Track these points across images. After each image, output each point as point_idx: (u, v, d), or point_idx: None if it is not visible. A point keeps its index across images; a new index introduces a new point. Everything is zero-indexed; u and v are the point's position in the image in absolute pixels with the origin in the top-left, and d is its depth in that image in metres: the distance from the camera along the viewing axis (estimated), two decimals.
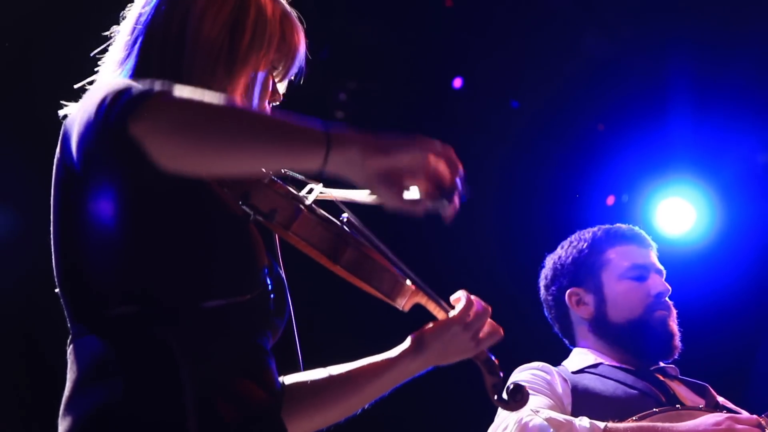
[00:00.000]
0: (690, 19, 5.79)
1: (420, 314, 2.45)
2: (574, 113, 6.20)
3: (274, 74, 2.29)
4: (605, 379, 3.57)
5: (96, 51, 2.30)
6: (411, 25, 5.89)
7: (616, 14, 5.97)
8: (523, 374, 3.56)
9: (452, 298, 2.47)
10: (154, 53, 2.18)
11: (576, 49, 6.07)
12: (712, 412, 3.37)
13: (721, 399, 3.66)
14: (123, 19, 2.28)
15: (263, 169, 1.98)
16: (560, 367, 3.68)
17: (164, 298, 1.98)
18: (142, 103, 1.81)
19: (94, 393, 1.92)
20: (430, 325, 2.45)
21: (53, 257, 2.09)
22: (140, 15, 2.23)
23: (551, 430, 3.26)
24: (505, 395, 2.53)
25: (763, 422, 3.34)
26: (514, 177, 6.19)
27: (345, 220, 2.32)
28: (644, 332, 3.66)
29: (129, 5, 2.29)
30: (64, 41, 4.51)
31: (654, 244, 3.89)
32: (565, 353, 3.83)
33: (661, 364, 3.70)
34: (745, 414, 3.52)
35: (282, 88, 2.34)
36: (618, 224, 3.94)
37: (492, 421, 3.44)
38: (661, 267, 3.82)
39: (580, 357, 3.73)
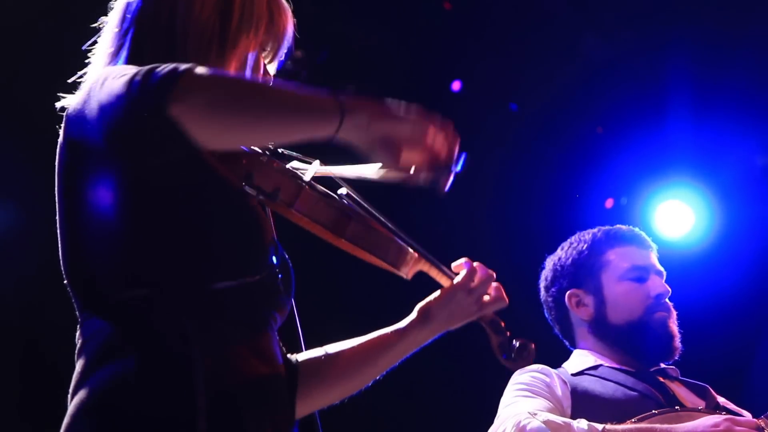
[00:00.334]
0: (688, 21, 5.79)
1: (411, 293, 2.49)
2: (572, 116, 6.21)
3: (264, 55, 2.31)
4: (605, 381, 3.57)
5: (87, 44, 2.30)
6: (409, 28, 5.90)
7: (614, 17, 5.98)
8: (522, 376, 3.56)
9: (454, 264, 2.52)
10: (146, 43, 2.19)
11: (574, 51, 6.07)
12: (712, 414, 3.37)
13: (722, 400, 3.66)
14: (111, 9, 2.29)
15: (286, 140, 2.09)
16: (560, 369, 3.68)
17: (173, 281, 1.99)
18: (177, 84, 1.86)
19: (106, 370, 1.93)
20: (435, 295, 2.52)
21: (60, 244, 2.10)
22: (128, 5, 2.24)
23: None
24: (512, 353, 2.56)
25: (762, 424, 3.34)
26: (513, 180, 6.19)
27: (345, 194, 2.35)
28: (644, 333, 3.66)
29: None
30: (62, 32, 4.51)
31: (654, 246, 3.89)
32: (566, 354, 3.83)
33: (662, 365, 3.70)
34: (746, 415, 3.53)
35: (272, 69, 2.36)
36: (618, 225, 3.94)
37: (488, 422, 3.45)
38: (662, 268, 3.82)
39: (580, 359, 3.73)
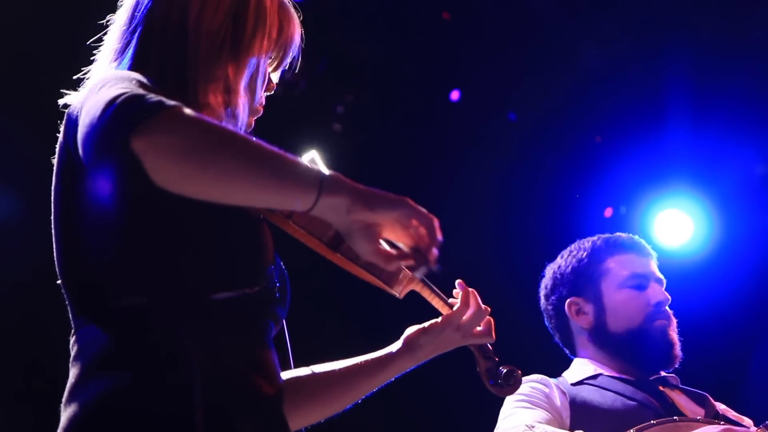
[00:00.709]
0: (687, 30, 5.80)
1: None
2: (571, 125, 6.21)
3: (268, 63, 2.30)
4: (604, 390, 3.56)
5: (92, 39, 2.29)
6: (408, 38, 5.91)
7: (612, 26, 5.98)
8: (521, 387, 3.55)
9: (454, 292, 2.54)
10: (155, 42, 2.17)
11: (573, 60, 6.07)
12: (710, 423, 3.36)
13: (722, 407, 3.65)
14: (120, 6, 2.28)
15: (255, 204, 1.97)
16: (559, 378, 3.68)
17: (171, 290, 1.97)
18: (149, 119, 1.78)
19: (100, 382, 1.90)
20: (424, 326, 2.56)
21: (54, 247, 2.08)
22: (138, 3, 2.23)
23: None
24: (499, 379, 2.56)
25: None
26: (512, 189, 6.19)
27: None
28: (644, 341, 3.65)
29: None
30: (64, 22, 4.52)
31: (654, 253, 3.88)
32: (566, 363, 3.83)
33: (662, 373, 3.69)
34: (746, 422, 3.53)
35: (275, 78, 2.36)
36: (618, 233, 3.93)
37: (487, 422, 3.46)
38: (661, 276, 3.81)
39: (579, 368, 3.73)
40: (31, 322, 4.95)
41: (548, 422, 3.38)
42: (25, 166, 4.60)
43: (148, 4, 2.21)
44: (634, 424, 3.32)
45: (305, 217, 2.13)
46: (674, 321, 3.73)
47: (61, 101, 2.18)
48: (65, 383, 1.98)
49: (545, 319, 3.95)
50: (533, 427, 3.28)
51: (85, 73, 2.24)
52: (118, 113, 1.80)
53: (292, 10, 2.34)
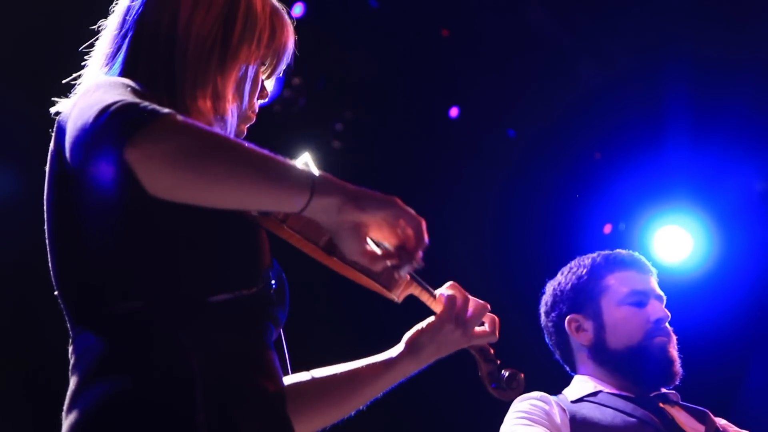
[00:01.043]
0: (686, 47, 5.81)
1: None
2: (570, 142, 6.22)
3: (262, 70, 2.29)
4: (604, 407, 3.55)
5: (84, 45, 2.29)
6: (407, 55, 5.92)
7: (612, 43, 6.00)
8: (522, 404, 3.55)
9: (442, 288, 2.51)
10: (145, 47, 2.17)
11: (572, 77, 6.09)
12: None
13: (722, 422, 3.64)
14: (111, 12, 2.27)
15: (247, 207, 1.98)
16: (560, 396, 3.67)
17: (168, 293, 1.96)
18: (143, 129, 1.78)
19: (100, 387, 1.89)
20: (422, 325, 2.52)
21: (49, 256, 2.07)
22: (129, 8, 2.22)
23: None
24: (501, 383, 2.54)
25: None
26: (512, 206, 6.19)
27: None
28: (643, 358, 3.64)
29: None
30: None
31: (654, 270, 3.87)
32: (566, 380, 3.82)
33: (662, 390, 3.68)
34: None
35: (269, 85, 2.34)
36: (618, 250, 3.93)
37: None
38: (662, 293, 3.81)
39: (579, 385, 3.72)
40: (26, 307, 4.92)
41: None
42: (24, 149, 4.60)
43: (139, 9, 2.20)
44: None
45: (300, 221, 2.12)
46: (674, 338, 3.72)
47: (52, 109, 2.16)
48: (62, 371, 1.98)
49: (545, 336, 3.94)
50: None
51: (76, 79, 2.24)
52: (112, 121, 1.80)
53: (287, 17, 2.33)
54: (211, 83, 2.16)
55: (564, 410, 3.54)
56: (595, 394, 3.64)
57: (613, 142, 6.20)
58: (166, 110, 1.82)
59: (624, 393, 3.63)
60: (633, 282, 3.77)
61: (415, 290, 2.47)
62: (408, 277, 2.41)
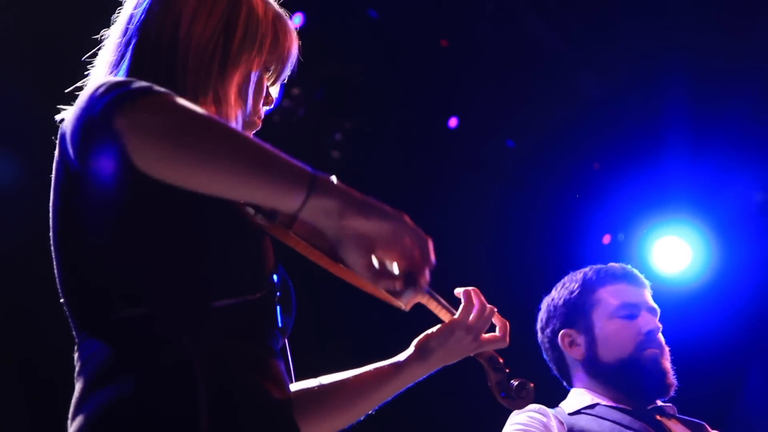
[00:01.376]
0: (684, 57, 5.82)
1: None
2: (569, 152, 6.22)
3: (267, 76, 2.29)
4: (601, 419, 3.55)
5: (87, 55, 2.29)
6: (406, 65, 5.92)
7: (610, 54, 6.00)
8: (520, 416, 3.55)
9: (455, 291, 2.51)
10: (148, 55, 2.17)
11: (571, 88, 6.09)
12: None
13: None
14: (113, 22, 2.28)
15: (238, 197, 1.91)
16: (557, 408, 3.67)
17: (172, 299, 1.95)
18: (133, 99, 1.78)
19: (104, 393, 1.89)
20: (433, 330, 2.52)
21: (55, 263, 2.07)
22: (132, 16, 2.22)
23: None
24: (510, 392, 2.53)
25: None
26: (511, 216, 6.19)
27: None
28: (636, 371, 3.63)
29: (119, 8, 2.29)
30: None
31: (647, 282, 3.87)
32: (564, 394, 3.82)
33: (659, 403, 3.68)
34: None
35: (274, 92, 2.34)
36: (611, 263, 3.93)
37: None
38: (655, 305, 3.80)
39: (577, 398, 3.72)
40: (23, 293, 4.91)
41: None
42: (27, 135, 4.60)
43: (141, 16, 2.20)
44: None
45: (306, 228, 2.11)
46: (666, 349, 3.71)
47: (57, 117, 2.17)
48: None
49: (543, 351, 3.94)
50: None
51: (79, 89, 2.23)
52: (103, 96, 1.80)
53: (289, 22, 2.33)
54: (212, 89, 2.16)
55: (562, 423, 3.54)
56: (592, 406, 3.64)
57: (612, 153, 6.20)
58: (161, 89, 1.82)
59: (621, 405, 3.62)
60: (624, 295, 3.77)
61: (423, 298, 2.47)
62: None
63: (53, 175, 2.08)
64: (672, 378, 3.66)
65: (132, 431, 1.86)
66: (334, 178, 1.84)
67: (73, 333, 2.06)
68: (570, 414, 3.61)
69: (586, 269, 3.89)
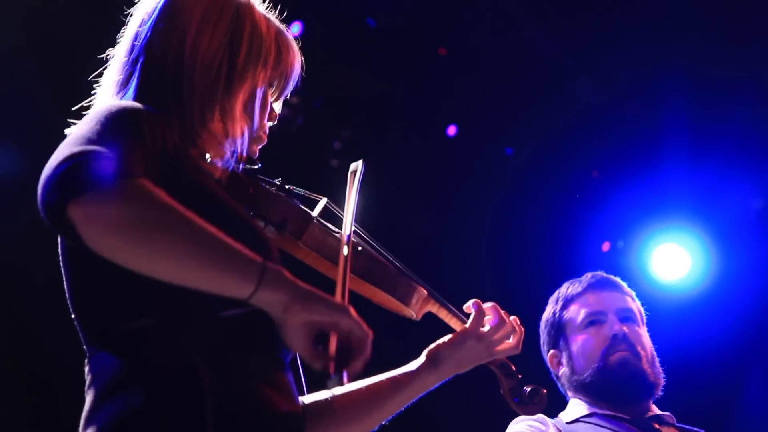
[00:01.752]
0: (683, 65, 5.82)
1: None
2: (568, 160, 6.22)
3: (270, 92, 2.31)
4: (598, 427, 3.56)
5: (93, 75, 2.30)
6: (405, 73, 5.92)
7: (609, 62, 6.01)
8: (519, 426, 3.55)
9: (464, 306, 2.53)
10: (155, 73, 2.18)
11: (570, 95, 6.09)
12: None
13: None
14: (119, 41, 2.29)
15: (191, 285, 1.91)
16: (556, 418, 3.68)
17: (179, 309, 1.96)
18: (90, 190, 1.79)
19: (113, 405, 1.91)
20: (444, 339, 2.54)
21: (65, 279, 2.08)
22: (137, 34, 2.24)
23: None
24: (524, 397, 2.55)
25: None
26: (510, 224, 6.19)
27: (353, 231, 2.32)
28: (606, 378, 3.62)
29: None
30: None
31: (622, 285, 3.86)
32: (563, 404, 3.82)
33: (657, 411, 3.67)
34: None
35: (278, 107, 2.36)
36: (586, 274, 3.92)
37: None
38: (630, 306, 3.78)
39: (575, 408, 3.73)
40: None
41: None
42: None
43: (147, 34, 2.22)
44: None
45: (316, 238, 2.11)
46: (641, 350, 3.67)
47: (66, 131, 2.16)
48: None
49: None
50: None
51: (86, 109, 2.24)
52: (65, 177, 1.81)
53: (291, 38, 2.35)
54: (218, 106, 2.18)
55: (560, 431, 3.54)
56: (590, 415, 3.64)
57: (610, 160, 6.21)
58: (130, 172, 1.85)
59: (619, 414, 3.62)
60: (588, 304, 3.78)
61: (433, 307, 2.48)
62: (426, 292, 2.42)
63: None
64: (654, 376, 3.64)
65: None
66: (282, 271, 1.90)
67: (84, 347, 2.07)
68: (568, 423, 3.62)
69: (564, 285, 3.91)
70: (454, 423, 5.88)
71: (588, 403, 3.70)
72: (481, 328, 2.56)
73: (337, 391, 2.47)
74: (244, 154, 2.25)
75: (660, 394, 3.68)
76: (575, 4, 5.88)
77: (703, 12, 5.66)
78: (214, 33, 2.21)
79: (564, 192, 6.26)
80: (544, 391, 2.64)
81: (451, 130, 6.18)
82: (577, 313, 3.77)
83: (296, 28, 5.26)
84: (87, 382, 2.01)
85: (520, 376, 2.63)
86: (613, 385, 3.60)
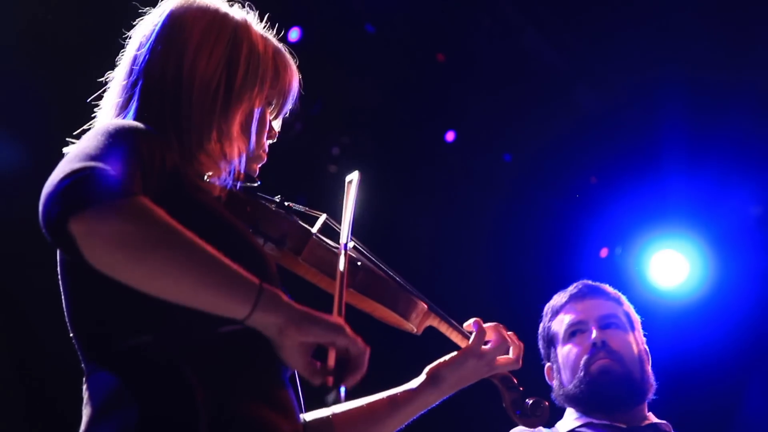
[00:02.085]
0: (682, 72, 5.82)
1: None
2: (566, 166, 6.22)
3: (269, 111, 2.32)
4: None
5: (92, 98, 2.31)
6: (403, 79, 5.93)
7: (608, 68, 6.01)
8: None
9: (465, 325, 2.54)
10: (154, 96, 2.19)
11: (568, 102, 6.10)
12: None
13: None
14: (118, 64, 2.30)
15: (188, 304, 1.92)
16: (553, 428, 3.68)
17: (177, 325, 1.96)
18: (92, 206, 1.80)
19: (109, 423, 1.92)
20: (446, 358, 2.56)
21: (63, 296, 2.09)
22: (136, 57, 2.25)
23: None
24: (526, 410, 2.56)
25: None
26: (508, 230, 6.19)
27: (351, 246, 2.33)
28: (591, 388, 3.61)
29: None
30: None
31: (607, 290, 3.85)
32: (560, 413, 3.82)
33: (654, 419, 3.66)
34: None
35: (277, 125, 2.37)
36: (574, 284, 3.91)
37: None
38: (613, 311, 3.77)
39: (570, 418, 3.72)
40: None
41: None
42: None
43: (145, 56, 2.23)
44: None
45: (316, 254, 2.11)
46: (625, 354, 3.66)
47: (65, 149, 2.18)
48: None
49: None
50: None
51: (86, 131, 2.24)
52: (67, 191, 1.82)
53: (289, 57, 2.36)
54: (216, 126, 2.19)
55: None
56: (585, 425, 3.63)
57: (609, 167, 6.21)
58: (131, 189, 1.86)
59: (615, 424, 3.61)
60: (570, 316, 3.78)
61: (434, 321, 2.49)
62: (426, 307, 2.42)
63: None
64: (642, 380, 3.64)
65: None
66: (279, 293, 1.91)
67: (82, 365, 2.08)
68: None
69: (553, 298, 3.91)
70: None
71: (581, 413, 3.70)
72: (483, 347, 2.58)
73: (338, 408, 2.48)
74: (243, 173, 2.26)
75: (652, 396, 3.67)
76: (573, 10, 5.89)
77: (701, 20, 5.66)
78: (211, 54, 2.22)
79: (562, 198, 6.27)
80: (546, 403, 2.65)
81: (450, 136, 6.18)
82: (561, 324, 3.78)
83: (295, 33, 5.27)
84: (84, 399, 2.01)
85: (521, 389, 2.64)
86: (598, 394, 3.59)
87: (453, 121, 6.16)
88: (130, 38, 2.31)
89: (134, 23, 2.33)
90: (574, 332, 3.72)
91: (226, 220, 2.11)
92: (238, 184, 2.29)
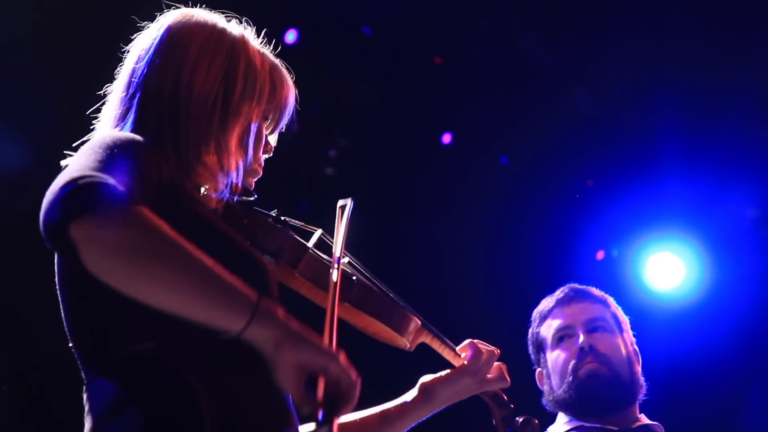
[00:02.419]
0: (679, 75, 5.83)
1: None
2: (563, 169, 6.23)
3: (265, 125, 2.34)
4: None
5: (91, 110, 2.32)
6: (400, 82, 5.93)
7: (605, 71, 6.02)
8: None
9: (459, 347, 2.57)
10: (152, 109, 2.21)
11: (565, 104, 6.10)
12: None
13: None
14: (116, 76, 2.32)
15: (184, 315, 1.91)
16: None
17: (178, 333, 1.96)
18: (93, 212, 1.81)
19: (113, 430, 1.92)
20: (439, 375, 2.62)
21: (61, 305, 2.09)
22: (134, 70, 2.27)
23: None
24: (516, 428, 2.59)
25: None
26: (504, 232, 6.20)
27: (346, 261, 2.34)
28: (580, 392, 3.62)
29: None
30: None
31: (594, 292, 3.85)
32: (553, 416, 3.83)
33: (646, 421, 3.66)
34: None
35: (273, 140, 2.39)
36: (560, 288, 3.91)
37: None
38: (601, 314, 3.77)
39: (562, 421, 3.73)
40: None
41: None
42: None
43: (144, 69, 2.25)
44: None
45: (311, 268, 2.12)
46: (612, 356, 3.66)
47: (63, 162, 2.19)
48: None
49: None
50: None
51: (84, 142, 2.25)
52: (69, 197, 1.82)
53: (285, 72, 2.38)
54: (213, 140, 2.21)
55: None
56: (577, 428, 3.64)
57: (605, 169, 6.21)
58: (131, 198, 1.87)
59: (606, 426, 3.62)
60: (557, 321, 3.79)
61: (427, 338, 2.51)
62: (420, 323, 2.44)
63: None
64: (631, 381, 3.64)
65: None
66: (275, 309, 1.90)
67: (82, 374, 2.08)
68: None
69: (541, 302, 3.91)
70: None
71: (572, 417, 3.70)
72: (477, 366, 2.63)
73: None
74: (239, 186, 2.27)
75: (644, 397, 3.67)
76: (571, 14, 5.89)
77: (698, 24, 5.67)
78: (209, 69, 2.24)
79: (559, 201, 6.27)
80: (536, 421, 2.67)
81: (447, 138, 6.18)
82: (548, 329, 3.79)
83: (292, 35, 5.27)
84: (86, 409, 2.02)
85: (512, 406, 2.66)
86: (587, 399, 3.60)
87: (450, 123, 6.17)
88: (128, 52, 2.33)
89: (133, 37, 2.34)
90: (561, 337, 3.73)
91: (225, 233, 2.12)
92: (235, 198, 2.30)
